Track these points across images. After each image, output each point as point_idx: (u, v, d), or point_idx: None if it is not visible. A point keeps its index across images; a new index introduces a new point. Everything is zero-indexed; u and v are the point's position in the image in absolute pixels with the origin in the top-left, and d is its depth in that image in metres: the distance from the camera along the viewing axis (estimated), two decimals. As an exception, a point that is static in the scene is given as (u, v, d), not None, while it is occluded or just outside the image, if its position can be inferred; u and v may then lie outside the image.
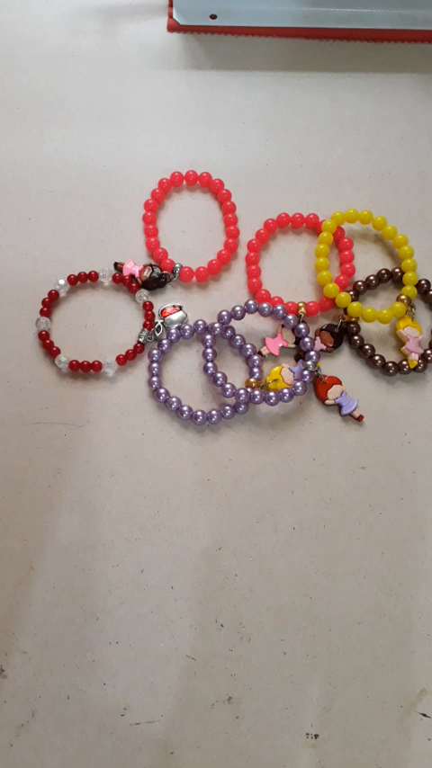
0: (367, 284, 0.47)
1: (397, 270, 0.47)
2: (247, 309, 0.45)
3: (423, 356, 0.45)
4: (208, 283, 0.47)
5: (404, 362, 0.45)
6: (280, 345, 0.45)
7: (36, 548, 0.41)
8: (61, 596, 0.40)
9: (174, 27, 0.53)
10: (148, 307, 0.46)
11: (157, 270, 0.46)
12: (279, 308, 0.45)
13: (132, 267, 0.46)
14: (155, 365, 0.44)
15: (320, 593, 0.41)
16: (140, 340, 0.45)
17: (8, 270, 0.47)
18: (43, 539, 0.41)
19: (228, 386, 0.43)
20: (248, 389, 0.43)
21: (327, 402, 0.44)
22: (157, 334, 0.45)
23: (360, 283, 0.47)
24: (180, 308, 0.46)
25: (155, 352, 0.45)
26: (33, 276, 0.46)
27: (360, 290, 0.47)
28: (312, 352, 0.44)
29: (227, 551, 0.42)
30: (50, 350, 0.44)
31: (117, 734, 0.39)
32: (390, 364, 0.45)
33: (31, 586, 0.41)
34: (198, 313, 0.46)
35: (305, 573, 0.41)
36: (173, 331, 0.45)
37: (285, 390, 0.43)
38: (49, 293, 0.45)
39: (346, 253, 0.47)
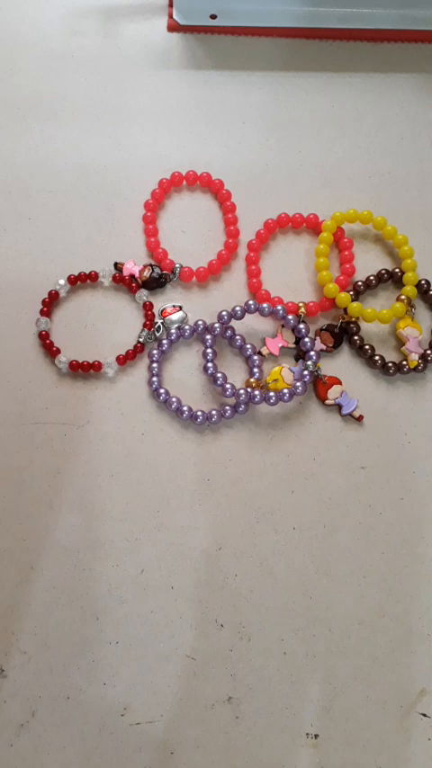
0: (367, 284, 0.47)
1: (397, 270, 0.47)
2: (247, 309, 0.45)
3: (423, 356, 0.45)
4: (208, 283, 0.47)
5: (404, 362, 0.45)
6: (280, 345, 0.45)
7: (36, 548, 0.41)
8: (61, 596, 0.40)
9: (174, 27, 0.53)
10: (148, 307, 0.46)
11: (157, 270, 0.46)
12: (279, 307, 0.45)
13: (132, 267, 0.46)
14: (155, 365, 0.44)
15: (320, 593, 0.41)
16: (140, 340, 0.45)
17: (8, 270, 0.47)
18: (43, 539, 0.41)
19: (228, 386, 0.43)
20: (248, 389, 0.43)
21: (327, 402, 0.44)
22: (157, 334, 0.45)
23: (360, 283, 0.47)
24: (180, 308, 0.46)
25: (155, 352, 0.45)
26: (33, 276, 0.46)
27: (360, 290, 0.47)
28: (312, 352, 0.44)
29: (227, 551, 0.42)
30: (50, 350, 0.44)
31: (117, 734, 0.39)
32: (390, 364, 0.45)
33: (31, 586, 0.41)
34: (198, 313, 0.46)
35: (305, 573, 0.41)
36: (173, 331, 0.45)
37: (285, 390, 0.43)
38: (49, 293, 0.45)
39: (346, 253, 0.47)
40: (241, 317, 0.45)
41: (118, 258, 0.47)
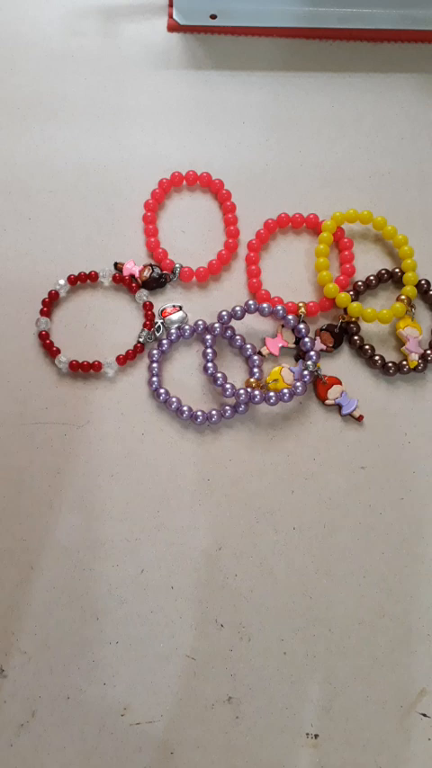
0: (367, 284, 0.47)
1: (397, 270, 0.47)
2: (247, 309, 0.45)
3: (423, 356, 0.45)
4: (208, 283, 0.47)
5: (404, 362, 0.45)
6: (280, 345, 0.45)
7: (36, 548, 0.41)
8: (61, 596, 0.40)
9: (174, 27, 0.53)
10: (148, 307, 0.46)
11: (157, 270, 0.46)
12: (279, 308, 0.45)
13: (132, 267, 0.46)
14: (155, 365, 0.44)
15: (320, 593, 0.41)
16: (140, 340, 0.45)
17: (8, 270, 0.47)
18: (43, 539, 0.41)
19: (228, 386, 0.43)
20: (248, 389, 0.43)
21: (327, 402, 0.44)
22: (157, 334, 0.45)
23: (360, 283, 0.47)
24: (180, 308, 0.46)
25: (155, 352, 0.45)
26: (33, 276, 0.46)
27: (360, 290, 0.47)
28: (312, 352, 0.44)
29: (227, 551, 0.42)
30: (50, 350, 0.44)
31: (117, 734, 0.39)
32: (390, 364, 0.45)
33: (31, 586, 0.41)
34: (198, 313, 0.46)
35: (305, 573, 0.41)
36: (173, 331, 0.45)
37: (285, 390, 0.43)
38: (49, 293, 0.45)
39: (346, 253, 0.47)
40: (241, 317, 0.45)
41: (118, 258, 0.47)
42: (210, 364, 0.44)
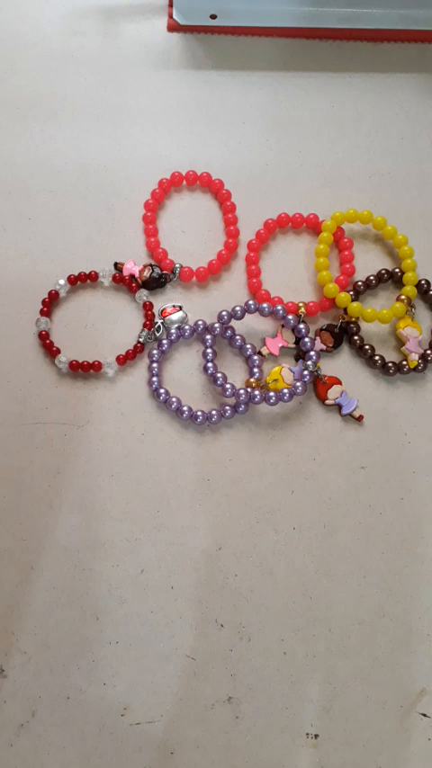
0: (367, 284, 0.47)
1: (397, 270, 0.47)
2: (247, 309, 0.45)
3: (423, 356, 0.45)
4: (208, 283, 0.47)
5: (404, 362, 0.45)
6: (280, 345, 0.45)
7: (36, 548, 0.41)
8: (61, 596, 0.40)
9: (174, 27, 0.53)
10: (148, 307, 0.46)
11: (157, 270, 0.46)
12: (279, 308, 0.45)
13: (132, 267, 0.46)
14: (155, 365, 0.44)
15: (320, 593, 0.41)
16: (140, 340, 0.45)
17: (8, 270, 0.47)
18: (43, 539, 0.41)
19: (228, 386, 0.43)
20: (248, 389, 0.43)
21: (327, 402, 0.44)
22: (157, 334, 0.45)
23: (360, 283, 0.47)
24: (180, 308, 0.46)
25: (155, 352, 0.45)
26: (33, 276, 0.46)
27: (360, 290, 0.47)
28: (312, 352, 0.44)
29: (227, 551, 0.42)
30: (50, 350, 0.44)
31: (117, 734, 0.39)
32: (390, 364, 0.45)
33: (31, 586, 0.41)
34: (198, 313, 0.46)
35: (305, 573, 0.41)
36: (173, 331, 0.45)
37: (285, 390, 0.43)
38: (49, 293, 0.45)
39: (346, 253, 0.47)
40: (241, 317, 0.45)
41: (118, 258, 0.47)
42: (210, 364, 0.44)
